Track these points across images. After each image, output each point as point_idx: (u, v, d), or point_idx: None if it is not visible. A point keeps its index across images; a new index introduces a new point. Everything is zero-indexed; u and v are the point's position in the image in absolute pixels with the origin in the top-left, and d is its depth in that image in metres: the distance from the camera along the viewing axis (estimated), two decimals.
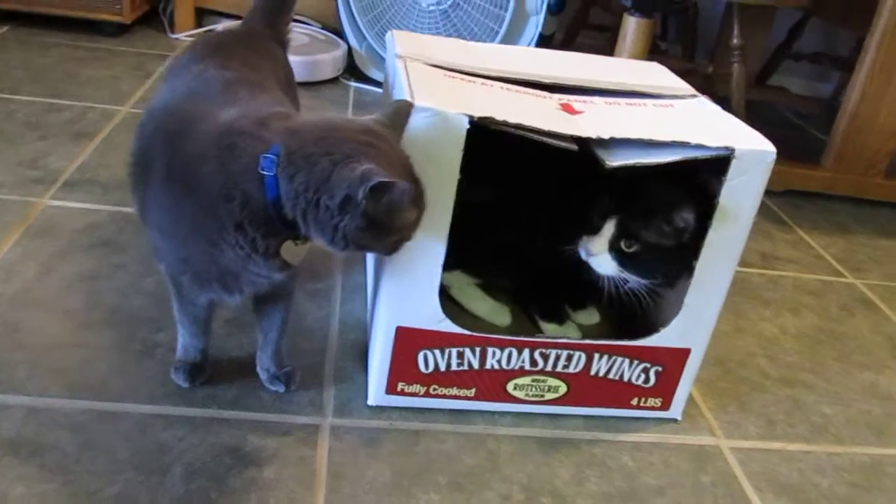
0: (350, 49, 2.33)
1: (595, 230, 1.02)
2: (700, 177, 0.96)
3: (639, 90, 1.07)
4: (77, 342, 1.04)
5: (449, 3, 2.07)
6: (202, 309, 0.93)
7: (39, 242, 1.24)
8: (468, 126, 0.83)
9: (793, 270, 1.59)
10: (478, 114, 0.83)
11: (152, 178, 0.85)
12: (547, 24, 2.08)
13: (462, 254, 0.95)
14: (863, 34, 1.94)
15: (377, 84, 2.27)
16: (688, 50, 2.66)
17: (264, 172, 0.77)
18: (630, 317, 1.08)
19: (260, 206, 0.78)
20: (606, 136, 0.88)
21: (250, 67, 0.97)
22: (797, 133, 2.56)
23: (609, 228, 1.01)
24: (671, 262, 1.01)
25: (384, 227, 0.77)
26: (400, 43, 1.08)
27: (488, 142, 0.85)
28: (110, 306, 1.12)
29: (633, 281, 1.02)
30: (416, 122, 0.83)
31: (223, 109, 0.83)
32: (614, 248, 1.01)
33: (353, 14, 2.25)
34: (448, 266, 0.92)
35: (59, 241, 1.25)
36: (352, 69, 2.34)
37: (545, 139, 0.86)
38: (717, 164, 0.90)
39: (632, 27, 1.93)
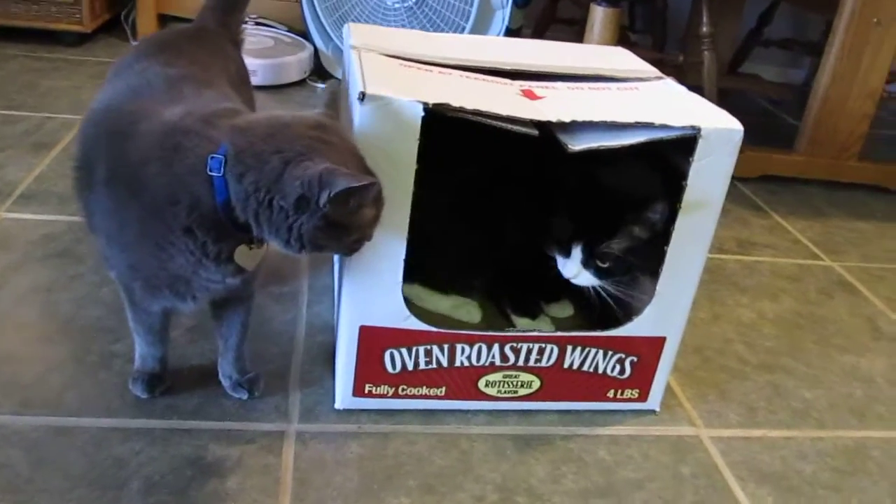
0: (316, 50, 2.29)
1: (565, 252, 1.00)
2: (669, 159, 0.93)
3: (603, 74, 1.04)
4: (31, 356, 1.00)
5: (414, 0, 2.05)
6: (157, 317, 0.90)
7: None
8: (423, 114, 0.80)
9: (770, 255, 1.57)
10: (433, 100, 0.80)
11: (96, 182, 0.81)
12: (514, 18, 2.05)
13: (422, 263, 0.90)
14: (830, 17, 1.93)
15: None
16: (657, 40, 2.65)
17: (212, 174, 0.73)
18: (604, 307, 1.05)
19: (209, 209, 0.75)
20: (567, 120, 0.85)
21: (198, 65, 0.93)
22: (770, 120, 2.56)
23: (577, 253, 0.98)
24: (650, 252, 0.98)
25: (343, 226, 0.75)
26: (356, 34, 1.05)
27: (445, 136, 0.82)
28: (66, 318, 1.07)
29: (616, 283, 1.00)
30: (368, 112, 0.80)
31: (167, 107, 0.79)
32: (590, 266, 0.99)
33: (318, 15, 2.22)
34: (406, 278, 0.89)
35: (13, 253, 1.21)
36: (319, 71, 2.30)
37: (504, 125, 0.83)
38: (686, 146, 0.88)
39: (599, 17, 1.90)
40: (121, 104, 0.84)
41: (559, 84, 0.99)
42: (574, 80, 1.02)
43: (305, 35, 2.31)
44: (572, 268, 0.99)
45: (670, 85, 1.03)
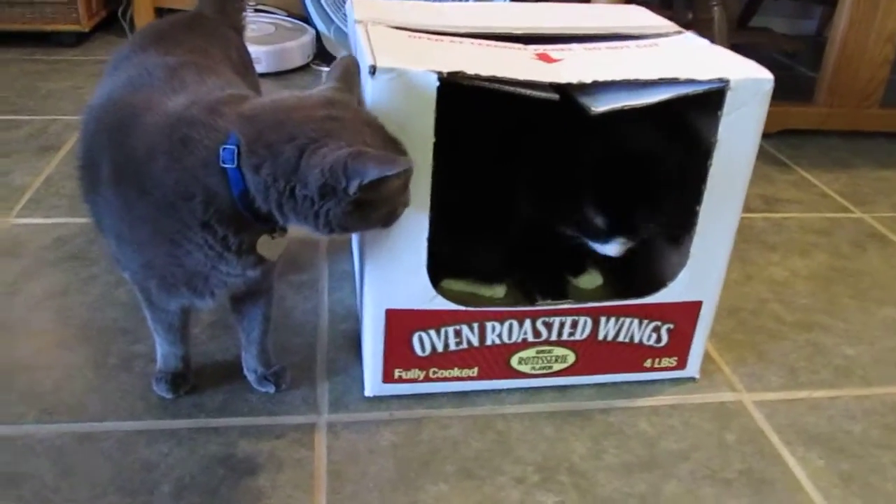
0: (318, 34, 2.25)
1: (602, 239, 0.93)
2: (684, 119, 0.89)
3: (620, 32, 1.00)
4: (49, 363, 0.97)
5: None
6: (176, 315, 0.87)
7: (4, 263, 1.17)
8: (438, 84, 0.76)
9: (797, 211, 1.52)
10: (447, 69, 0.76)
11: (101, 182, 0.78)
12: None
13: (440, 247, 0.86)
14: None
15: None
16: None
17: (226, 166, 0.70)
18: (636, 273, 1.01)
19: (226, 202, 0.72)
20: (588, 81, 0.81)
21: (198, 52, 0.89)
22: (786, 73, 2.49)
23: (619, 241, 0.92)
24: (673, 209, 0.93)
25: (372, 204, 0.71)
26: (360, 9, 1.01)
27: (456, 111, 0.78)
28: (82, 321, 1.05)
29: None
30: (380, 86, 0.76)
31: (170, 98, 0.76)
32: (631, 242, 0.92)
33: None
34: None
35: (25, 259, 1.19)
36: (322, 54, 2.26)
37: (522, 91, 0.79)
38: (708, 102, 0.83)
39: None
40: (121, 98, 0.80)
41: (575, 46, 0.95)
42: (590, 40, 0.97)
43: (306, 19, 2.27)
44: (615, 249, 0.92)
45: (691, 38, 0.99)
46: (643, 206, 0.91)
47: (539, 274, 1.12)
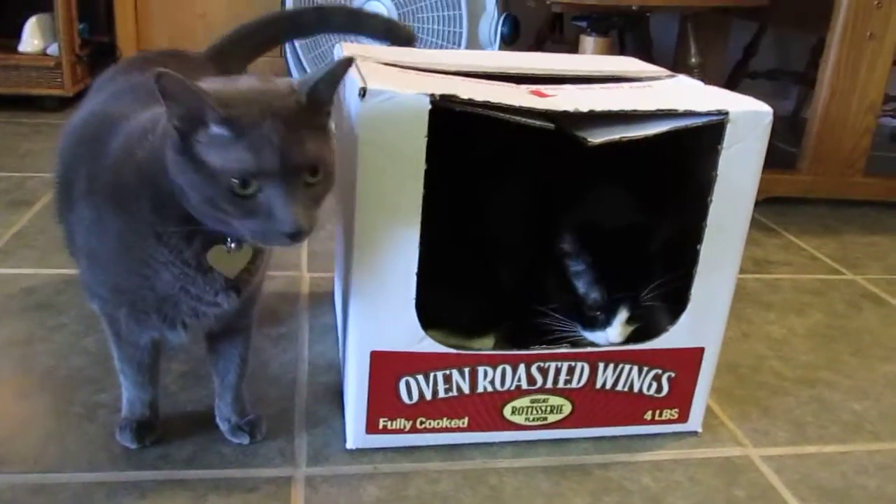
0: None
1: (599, 323, 0.88)
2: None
3: (613, 76, 0.99)
4: (6, 412, 0.90)
5: None
6: (145, 351, 0.81)
7: None
8: (430, 107, 0.73)
9: (789, 272, 1.50)
10: (439, 92, 0.73)
11: (75, 197, 0.74)
12: None
13: (430, 308, 0.82)
14: (821, 35, 1.91)
15: None
16: None
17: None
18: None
19: (170, 197, 0.67)
20: (585, 110, 0.78)
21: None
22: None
23: (622, 316, 0.87)
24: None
25: (202, 164, 0.63)
26: (348, 50, 0.99)
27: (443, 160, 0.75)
28: (45, 370, 0.98)
29: None
30: (369, 109, 0.73)
31: (145, 109, 0.72)
32: (633, 321, 0.88)
33: (297, 52, 2.19)
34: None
35: None
36: None
37: (517, 118, 0.76)
38: (704, 138, 0.81)
39: (590, 46, 1.88)
40: (100, 111, 0.78)
41: (567, 86, 0.93)
42: (583, 82, 0.96)
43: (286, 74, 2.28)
44: (617, 333, 0.86)
45: (684, 80, 0.98)
46: (639, 270, 0.87)
47: (530, 325, 1.07)
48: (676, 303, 0.88)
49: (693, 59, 2.10)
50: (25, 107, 2.22)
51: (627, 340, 0.88)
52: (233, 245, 0.70)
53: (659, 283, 0.86)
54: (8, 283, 1.20)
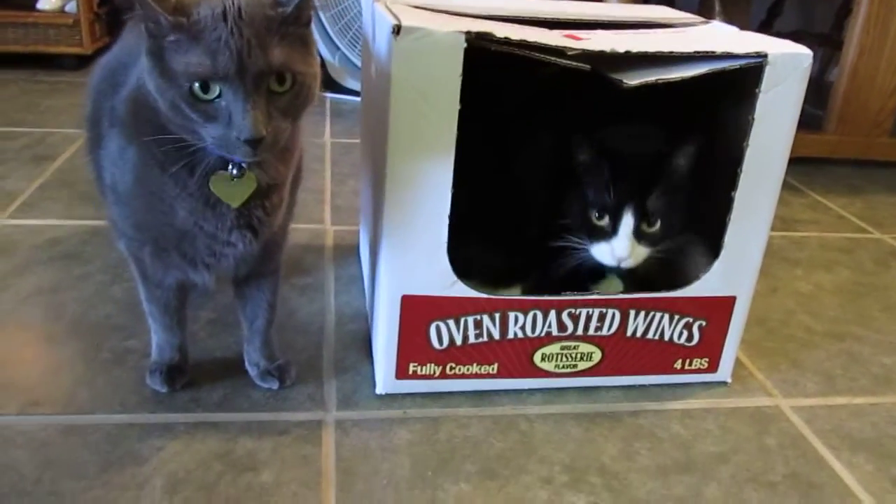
0: (323, 61, 2.23)
1: (606, 233, 0.88)
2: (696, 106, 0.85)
3: (646, 22, 0.97)
4: (36, 356, 0.91)
5: None
6: (171, 293, 0.81)
7: None
8: (465, 45, 0.72)
9: (816, 230, 1.48)
10: (475, 30, 0.72)
11: (103, 132, 0.74)
12: None
13: (456, 259, 0.81)
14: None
15: (353, 93, 2.18)
16: None
17: None
18: (657, 281, 0.96)
19: (162, 121, 0.66)
20: (622, 50, 0.77)
21: None
22: None
23: (627, 222, 0.86)
24: (681, 208, 0.89)
25: (167, 67, 0.62)
26: None
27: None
28: (74, 317, 0.98)
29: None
30: (404, 48, 0.72)
31: None
32: (642, 235, 0.87)
33: (323, 25, 2.16)
34: None
35: (15, 258, 1.12)
36: (327, 81, 2.24)
37: (553, 59, 0.75)
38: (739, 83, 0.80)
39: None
40: (128, 49, 0.77)
41: (601, 31, 0.91)
42: (616, 28, 0.94)
43: None
44: (625, 245, 0.86)
45: (720, 26, 0.96)
46: (641, 181, 0.86)
47: (557, 277, 1.06)
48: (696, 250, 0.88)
49: (717, 18, 2.06)
50: (44, 65, 2.21)
51: (652, 285, 0.87)
52: (234, 171, 0.69)
53: (664, 190, 0.85)
54: (34, 234, 1.20)
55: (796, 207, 1.59)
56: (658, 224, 0.88)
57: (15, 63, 2.20)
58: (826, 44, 2.73)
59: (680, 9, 2.71)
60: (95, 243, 1.17)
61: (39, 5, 2.19)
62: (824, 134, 1.89)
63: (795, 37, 2.71)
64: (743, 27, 2.54)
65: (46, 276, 1.08)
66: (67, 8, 2.19)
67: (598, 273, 1.10)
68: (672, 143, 0.88)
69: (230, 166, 0.69)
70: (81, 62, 2.25)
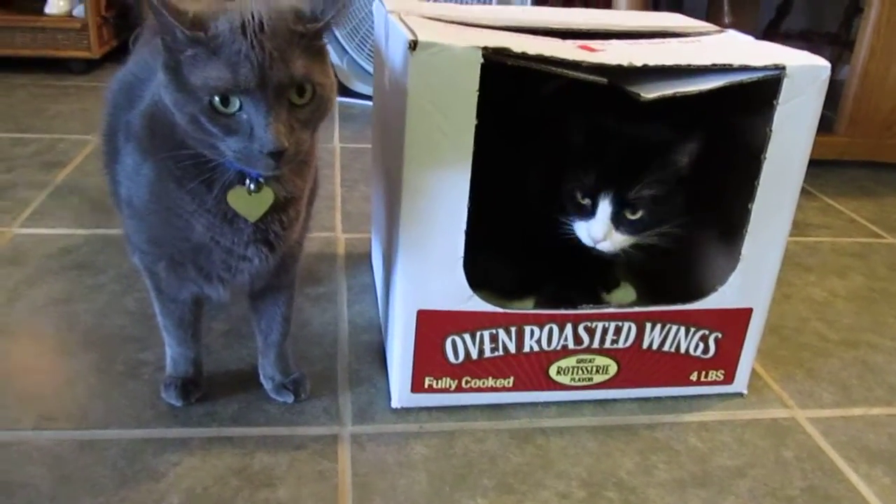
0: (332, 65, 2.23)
1: (586, 212, 0.88)
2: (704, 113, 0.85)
3: (659, 31, 0.96)
4: (50, 368, 0.91)
5: None
6: (186, 308, 0.81)
7: (6, 271, 1.11)
8: (482, 60, 0.71)
9: (828, 235, 1.47)
10: (492, 45, 0.72)
11: (118, 146, 0.74)
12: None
13: (471, 271, 0.81)
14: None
15: (362, 97, 2.17)
16: None
17: None
18: (670, 289, 0.95)
19: (180, 137, 0.66)
20: (639, 64, 0.76)
21: None
22: None
23: (605, 207, 0.87)
24: (672, 205, 0.89)
25: (185, 82, 0.61)
26: (389, 3, 0.97)
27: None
28: (87, 328, 0.98)
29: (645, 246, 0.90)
30: (420, 63, 0.71)
31: None
32: (620, 221, 0.88)
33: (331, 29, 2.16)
34: None
35: (27, 267, 1.12)
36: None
37: (570, 73, 0.74)
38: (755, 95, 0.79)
39: (624, 1, 1.84)
40: (138, 63, 0.77)
41: (615, 41, 0.91)
42: (629, 37, 0.93)
43: None
44: (600, 227, 0.87)
45: (734, 35, 0.95)
46: (631, 164, 0.86)
47: (570, 288, 1.06)
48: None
49: (726, 19, 2.05)
50: (53, 69, 2.21)
51: (666, 291, 0.87)
52: (251, 186, 0.69)
53: (655, 181, 0.85)
54: (46, 243, 1.20)
55: (808, 211, 1.59)
56: (641, 213, 0.88)
57: (23, 67, 2.20)
58: (835, 43, 2.71)
59: (688, 8, 2.69)
60: (107, 253, 1.17)
61: (47, 9, 2.19)
62: (835, 136, 1.88)
63: (804, 35, 2.68)
64: (751, 27, 2.51)
65: (59, 286, 1.08)
66: (75, 12, 2.19)
67: (611, 282, 1.10)
68: (674, 137, 0.87)
69: (248, 181, 0.69)
70: (90, 66, 2.25)
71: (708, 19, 2.57)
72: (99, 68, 2.30)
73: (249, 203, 0.70)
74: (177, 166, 0.68)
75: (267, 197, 0.71)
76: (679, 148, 0.87)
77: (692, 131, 0.87)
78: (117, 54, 2.40)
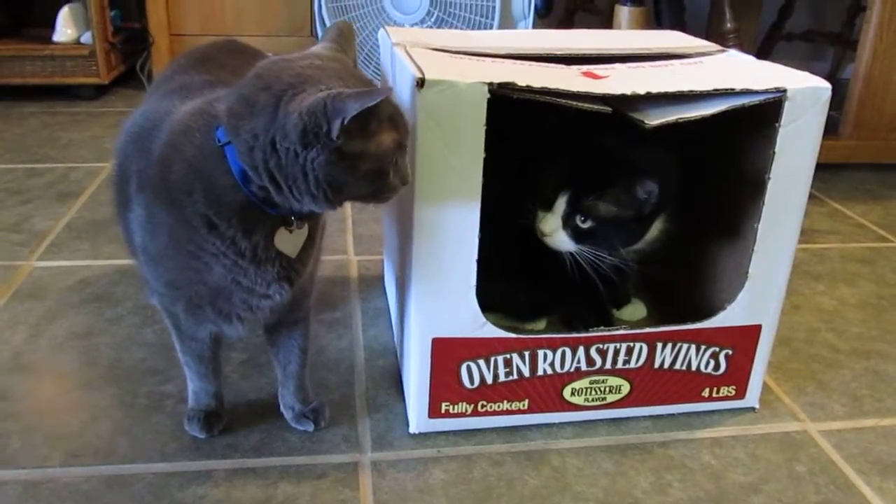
0: None
1: (548, 205, 0.93)
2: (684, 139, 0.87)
3: (661, 53, 0.98)
4: (75, 404, 0.93)
5: (433, 18, 2.00)
6: (206, 345, 0.82)
7: (27, 306, 1.13)
8: (488, 95, 0.73)
9: (837, 241, 1.48)
10: (497, 80, 0.73)
11: (131, 197, 0.75)
12: (535, 28, 2.00)
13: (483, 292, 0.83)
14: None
15: None
16: None
17: (220, 142, 0.67)
18: (680, 303, 0.97)
19: (228, 189, 0.68)
20: (642, 92, 0.78)
21: (228, 69, 0.88)
22: None
23: (561, 204, 0.91)
24: (627, 232, 0.93)
25: (359, 157, 0.65)
26: (395, 34, 0.99)
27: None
28: (109, 362, 1.00)
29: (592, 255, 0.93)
30: (428, 100, 0.73)
31: (188, 103, 0.74)
32: (569, 224, 0.91)
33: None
34: None
35: (47, 301, 1.15)
36: None
37: (575, 103, 0.76)
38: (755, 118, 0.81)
39: (625, 17, 1.85)
40: (153, 111, 0.79)
41: (618, 65, 0.92)
42: (631, 60, 0.95)
43: None
44: (551, 222, 0.92)
45: (735, 55, 0.96)
46: (596, 177, 0.90)
47: (581, 307, 1.07)
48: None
49: (728, 24, 2.06)
50: (62, 96, 2.24)
51: (675, 306, 0.88)
52: (296, 223, 0.72)
53: (610, 200, 0.89)
54: (64, 276, 1.23)
55: (815, 217, 1.60)
56: (590, 224, 0.91)
57: (33, 95, 2.23)
58: (838, 42, 2.72)
59: (690, 14, 2.69)
60: (125, 284, 1.20)
61: (55, 37, 2.23)
62: (840, 139, 1.89)
63: (807, 36, 2.68)
64: (753, 28, 2.51)
65: (79, 319, 1.10)
66: (83, 39, 2.22)
67: (621, 298, 1.12)
68: (639, 170, 0.90)
69: (294, 219, 0.72)
70: (99, 92, 2.29)
71: (710, 25, 2.59)
72: (108, 93, 2.33)
73: (292, 241, 0.74)
74: (218, 215, 0.69)
75: (303, 232, 0.75)
76: (640, 181, 0.89)
77: (660, 169, 0.90)
78: (125, 79, 2.44)
